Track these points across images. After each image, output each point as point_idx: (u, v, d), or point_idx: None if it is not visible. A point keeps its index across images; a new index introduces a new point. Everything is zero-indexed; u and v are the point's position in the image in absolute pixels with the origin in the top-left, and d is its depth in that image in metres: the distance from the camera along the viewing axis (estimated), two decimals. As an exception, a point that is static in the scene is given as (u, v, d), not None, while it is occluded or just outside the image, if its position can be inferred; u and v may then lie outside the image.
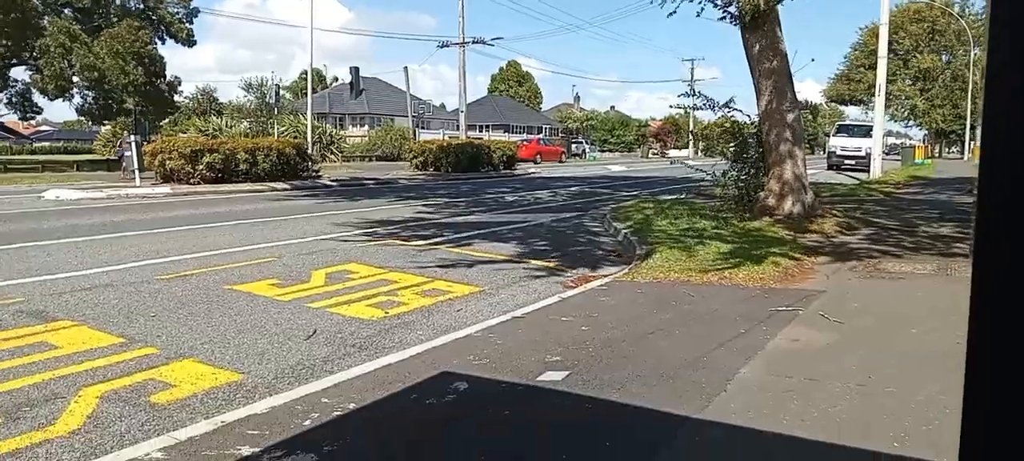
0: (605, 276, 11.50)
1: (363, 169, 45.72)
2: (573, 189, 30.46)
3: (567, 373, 6.46)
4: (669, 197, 23.82)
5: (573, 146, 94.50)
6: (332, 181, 32.23)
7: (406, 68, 75.38)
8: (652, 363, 6.73)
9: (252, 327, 8.38)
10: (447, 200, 25.13)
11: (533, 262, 13.15)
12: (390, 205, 23.58)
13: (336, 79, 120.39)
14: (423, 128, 77.53)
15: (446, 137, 59.21)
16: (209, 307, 9.31)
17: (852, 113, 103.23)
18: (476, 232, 17.30)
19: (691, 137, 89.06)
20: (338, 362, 7.16)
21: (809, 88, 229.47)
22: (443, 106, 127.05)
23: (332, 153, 55.31)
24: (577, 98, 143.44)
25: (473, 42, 55.15)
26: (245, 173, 30.63)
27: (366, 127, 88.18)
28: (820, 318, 8.37)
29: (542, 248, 14.85)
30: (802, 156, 18.58)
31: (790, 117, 18.38)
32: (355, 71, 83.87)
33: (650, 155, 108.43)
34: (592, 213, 22.00)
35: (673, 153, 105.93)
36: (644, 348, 7.23)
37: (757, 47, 18.25)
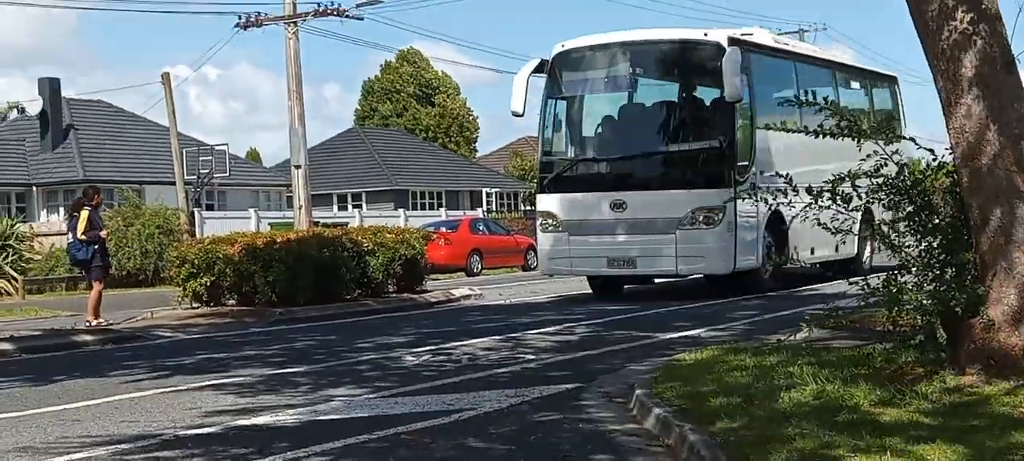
0: None
1: (71, 307, 22.95)
2: (555, 330, 15.76)
3: None
4: (780, 338, 11.47)
5: None
6: (3, 341, 15.88)
7: (167, 76, 38.12)
8: None
9: None
10: (272, 373, 12.43)
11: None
12: (140, 393, 11.19)
13: (18, 108, 56.43)
14: (210, 206, 45.70)
15: (264, 227, 33.94)
16: None
17: None
18: (339, 443, 8.10)
19: None
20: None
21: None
22: (255, 156, 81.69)
23: (5, 275, 30.31)
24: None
25: (317, 12, 30.65)
26: None
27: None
28: None
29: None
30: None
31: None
32: (51, 87, 48.55)
33: None
34: (601, 385, 10.38)
35: None
36: None
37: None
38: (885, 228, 10.17)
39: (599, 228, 19.89)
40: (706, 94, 20.20)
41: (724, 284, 20.37)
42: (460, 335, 15.41)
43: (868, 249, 24.00)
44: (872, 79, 26.80)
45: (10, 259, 30.61)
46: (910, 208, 9.86)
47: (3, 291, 29.49)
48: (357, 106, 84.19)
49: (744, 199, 18.78)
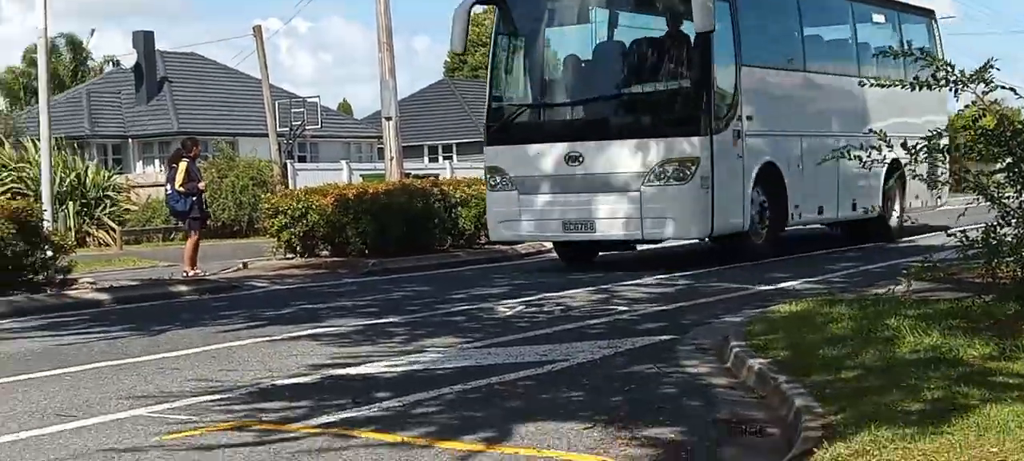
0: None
1: (168, 257, 23.10)
2: (648, 281, 15.73)
3: None
4: (877, 292, 10.98)
5: None
6: (103, 291, 16.34)
7: (258, 29, 37.76)
8: None
9: None
10: (367, 324, 12.49)
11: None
12: (237, 342, 11.41)
13: (113, 61, 61.82)
14: (302, 158, 46.74)
15: (355, 178, 34.13)
16: None
17: None
18: (434, 392, 8.27)
19: None
20: None
21: None
22: (346, 108, 79.45)
23: (104, 226, 30.18)
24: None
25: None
26: None
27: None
28: None
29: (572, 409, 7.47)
30: None
31: None
32: (145, 40, 48.90)
33: None
34: (695, 336, 10.33)
35: None
36: None
37: None
38: (983, 179, 9.96)
39: (552, 185, 17.18)
40: (678, 24, 17.20)
41: (711, 251, 18.26)
42: (552, 286, 15.35)
43: (898, 207, 21.35)
44: (903, 12, 22.50)
45: (108, 210, 31.12)
46: (1009, 159, 9.65)
47: (102, 241, 30.04)
48: (446, 58, 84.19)
49: (725, 149, 16.85)
